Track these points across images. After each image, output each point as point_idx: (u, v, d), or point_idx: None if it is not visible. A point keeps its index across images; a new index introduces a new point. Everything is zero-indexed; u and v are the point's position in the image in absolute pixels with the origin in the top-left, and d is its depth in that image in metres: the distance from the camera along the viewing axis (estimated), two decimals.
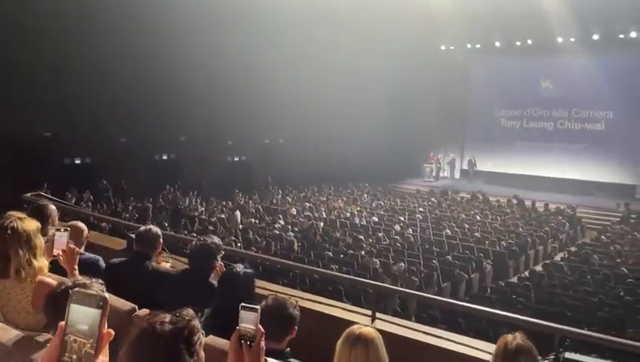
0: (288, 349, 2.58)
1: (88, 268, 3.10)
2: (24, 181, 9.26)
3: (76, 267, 2.96)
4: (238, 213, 15.10)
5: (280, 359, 2.19)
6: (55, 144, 16.35)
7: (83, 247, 3.89)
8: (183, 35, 17.25)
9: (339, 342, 2.29)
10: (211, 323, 2.82)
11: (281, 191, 20.19)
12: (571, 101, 22.75)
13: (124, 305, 2.60)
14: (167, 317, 1.50)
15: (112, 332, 1.20)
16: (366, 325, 2.57)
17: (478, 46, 24.39)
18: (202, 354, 1.58)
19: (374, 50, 22.12)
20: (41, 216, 3.40)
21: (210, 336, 2.43)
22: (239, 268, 3.08)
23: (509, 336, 2.32)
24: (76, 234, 3.72)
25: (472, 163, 24.63)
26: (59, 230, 2.87)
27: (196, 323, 1.56)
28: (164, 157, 20.50)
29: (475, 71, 25.45)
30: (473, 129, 25.49)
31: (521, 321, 4.02)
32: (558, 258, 13.87)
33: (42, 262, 2.53)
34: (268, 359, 2.08)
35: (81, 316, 1.07)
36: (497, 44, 23.47)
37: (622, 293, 9.46)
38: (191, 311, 1.57)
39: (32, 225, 2.57)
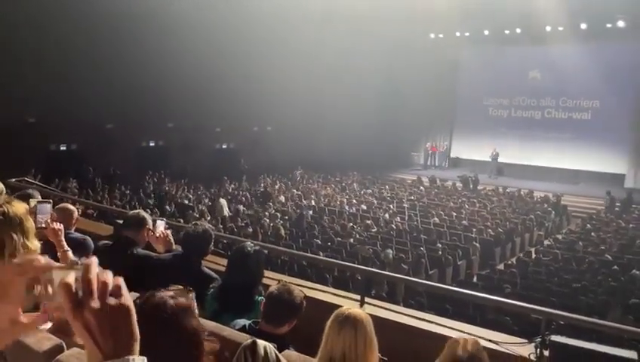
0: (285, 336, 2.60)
1: (76, 248, 3.07)
2: (8, 167, 9.11)
3: (63, 239, 2.93)
4: (223, 200, 14.96)
5: (276, 343, 2.20)
6: (39, 130, 16.08)
7: (73, 229, 3.86)
8: (173, 24, 17.04)
9: (328, 323, 2.30)
10: (218, 296, 2.99)
11: (269, 179, 20.13)
12: (559, 90, 22.91)
13: None
14: (171, 293, 1.53)
15: None
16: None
17: (467, 34, 24.39)
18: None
19: (364, 40, 22.04)
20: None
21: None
22: (249, 246, 3.15)
23: (460, 341, 2.19)
24: (65, 215, 3.69)
25: (494, 155, 22.98)
26: (41, 202, 2.87)
27: (195, 303, 1.59)
28: (152, 143, 20.31)
29: (464, 59, 25.49)
30: (461, 117, 25.62)
31: (508, 305, 4.06)
32: (543, 245, 14.04)
33: (35, 244, 2.53)
34: (258, 341, 2.09)
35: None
36: (486, 32, 23.49)
37: (606, 280, 9.62)
38: (189, 293, 1.60)
39: (21, 208, 2.53)
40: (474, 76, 24.88)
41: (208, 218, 12.93)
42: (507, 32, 22.88)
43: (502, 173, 22.81)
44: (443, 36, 25.01)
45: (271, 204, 15.53)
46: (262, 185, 18.99)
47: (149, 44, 16.68)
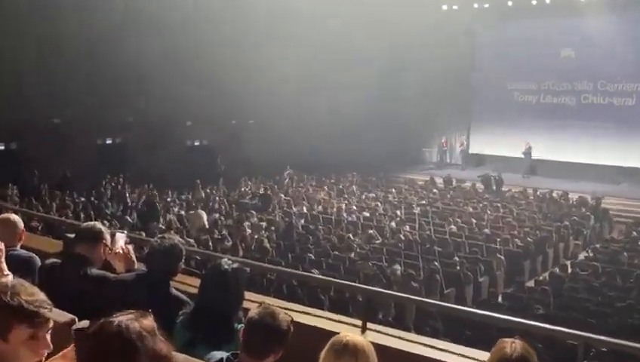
0: None
1: (21, 268, 3.05)
2: None
3: (3, 261, 2.91)
4: (201, 211, 14.83)
5: None
6: None
7: (19, 244, 3.82)
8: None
9: (322, 352, 2.30)
10: (190, 323, 2.98)
11: (250, 183, 20.12)
12: (597, 72, 23.01)
13: (61, 315, 2.56)
14: (131, 316, 1.55)
15: None
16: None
17: (486, 6, 24.47)
18: None
19: (363, 11, 22.03)
20: None
21: None
22: (227, 262, 3.15)
23: (508, 342, 2.29)
24: (8, 229, 3.65)
25: (527, 150, 22.87)
26: None
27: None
28: (109, 141, 20.26)
29: (483, 36, 25.62)
30: (481, 105, 25.64)
31: (539, 329, 4.07)
32: (581, 257, 14.11)
33: None
34: None
35: None
36: (510, 3, 23.61)
37: None
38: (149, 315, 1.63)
39: None
40: (495, 56, 24.98)
41: (175, 228, 12.89)
42: (534, 2, 23.00)
43: (535, 171, 22.92)
44: (457, 8, 25.08)
45: (254, 212, 15.51)
46: (261, 186, 19.08)
47: (102, 20, 16.63)
